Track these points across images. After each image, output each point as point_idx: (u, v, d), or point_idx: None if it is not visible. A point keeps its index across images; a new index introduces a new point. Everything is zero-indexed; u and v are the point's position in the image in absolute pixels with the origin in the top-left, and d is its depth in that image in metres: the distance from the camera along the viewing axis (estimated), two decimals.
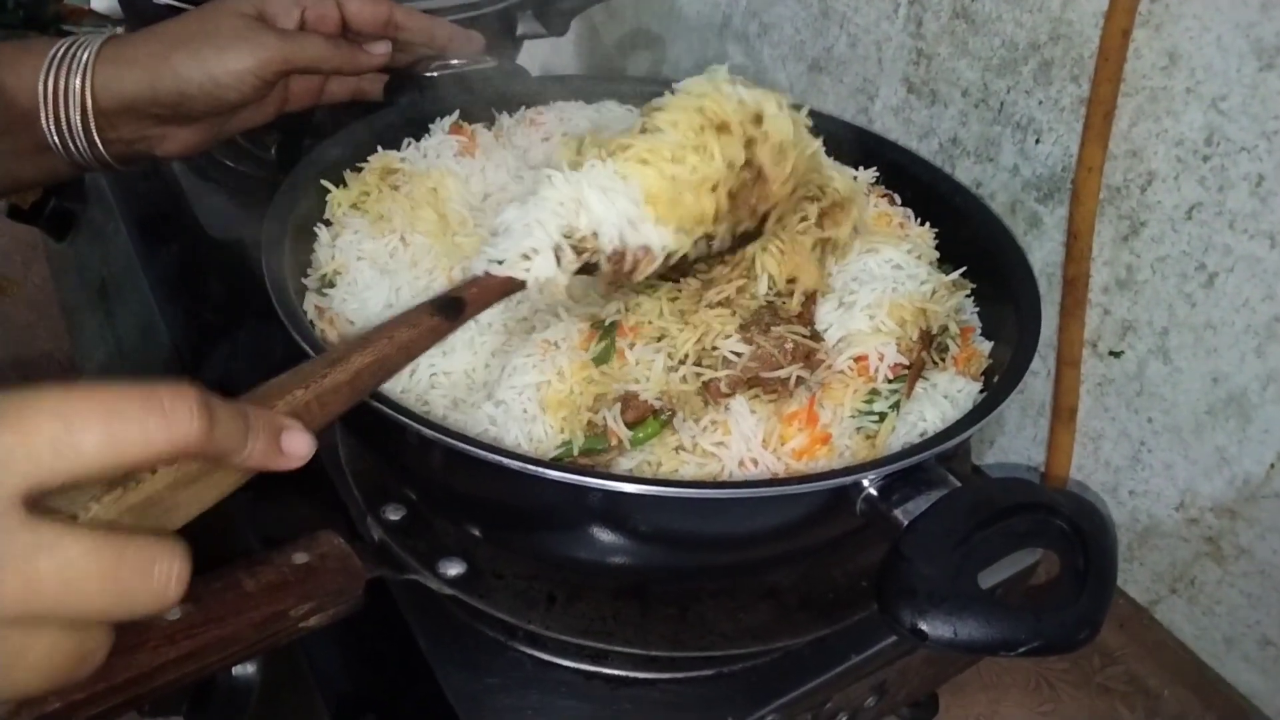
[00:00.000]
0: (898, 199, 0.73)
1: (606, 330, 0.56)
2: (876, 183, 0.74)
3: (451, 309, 0.48)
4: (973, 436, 0.88)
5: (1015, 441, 0.86)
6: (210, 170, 1.01)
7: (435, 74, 0.78)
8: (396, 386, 0.56)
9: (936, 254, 0.68)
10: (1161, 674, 0.77)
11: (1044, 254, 0.79)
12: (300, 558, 0.51)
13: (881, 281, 0.60)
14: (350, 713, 0.57)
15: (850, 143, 0.76)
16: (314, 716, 0.57)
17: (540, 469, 0.47)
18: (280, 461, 0.38)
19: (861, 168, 0.74)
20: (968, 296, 0.66)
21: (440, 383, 0.56)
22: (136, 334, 0.84)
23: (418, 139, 0.71)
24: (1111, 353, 0.75)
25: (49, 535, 0.31)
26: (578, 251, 0.49)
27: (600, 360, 0.55)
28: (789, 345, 0.54)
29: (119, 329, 0.88)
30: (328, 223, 0.66)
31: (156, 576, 0.32)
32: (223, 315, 0.83)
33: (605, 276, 0.55)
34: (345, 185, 0.67)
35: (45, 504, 0.31)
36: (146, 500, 0.34)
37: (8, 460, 0.30)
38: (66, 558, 0.31)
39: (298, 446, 0.38)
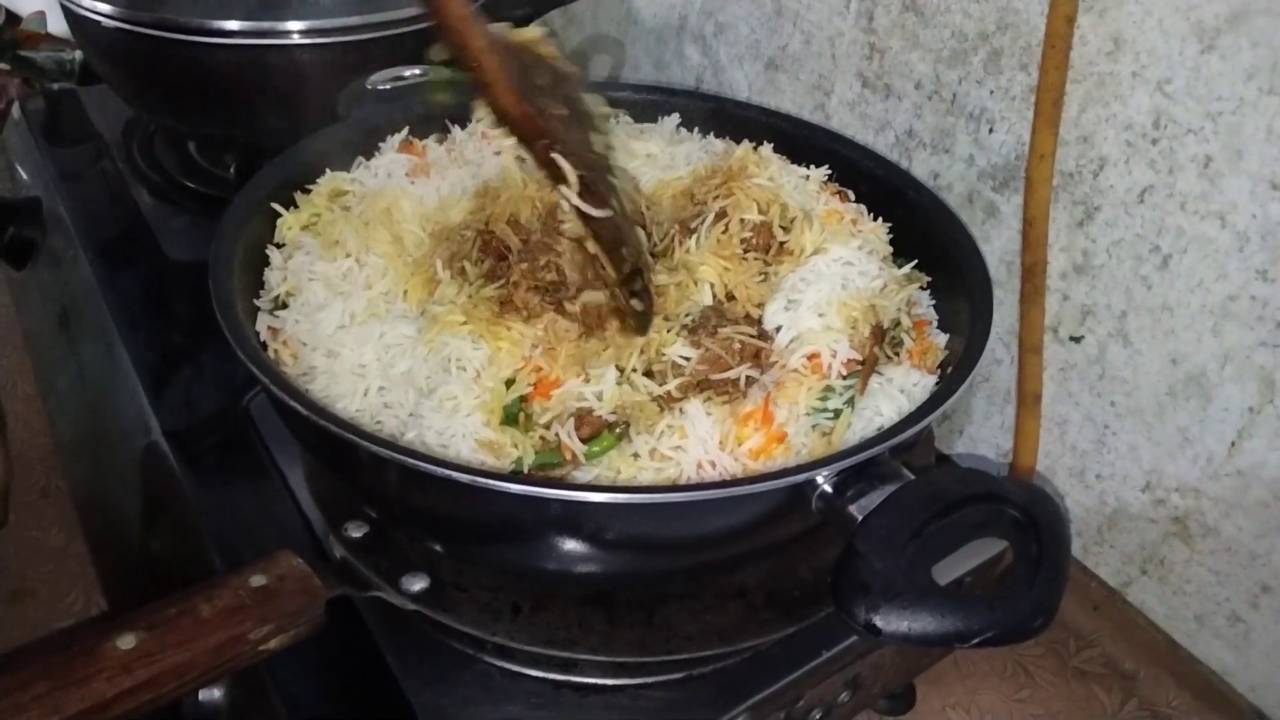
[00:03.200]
0: (851, 195, 0.73)
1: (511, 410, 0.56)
2: (830, 180, 0.74)
3: None
4: (942, 426, 0.89)
5: (983, 430, 0.86)
6: (170, 192, 1.00)
7: (388, 86, 0.78)
8: (351, 406, 0.55)
9: (890, 248, 0.68)
10: (1135, 655, 0.77)
11: (1002, 242, 0.79)
12: (258, 580, 0.50)
13: (829, 280, 0.60)
14: None
15: (802, 140, 0.76)
16: None
17: (498, 483, 0.47)
18: None
19: (813, 166, 0.74)
20: (923, 289, 0.66)
21: (392, 401, 0.56)
22: (99, 361, 0.84)
23: (369, 155, 0.71)
24: (1072, 338, 0.76)
25: None
26: None
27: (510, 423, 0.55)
28: (737, 346, 0.54)
29: (81, 356, 0.87)
30: (280, 245, 0.66)
31: None
32: (188, 338, 0.82)
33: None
34: (296, 207, 0.67)
35: None
36: None
37: None
38: None
39: None
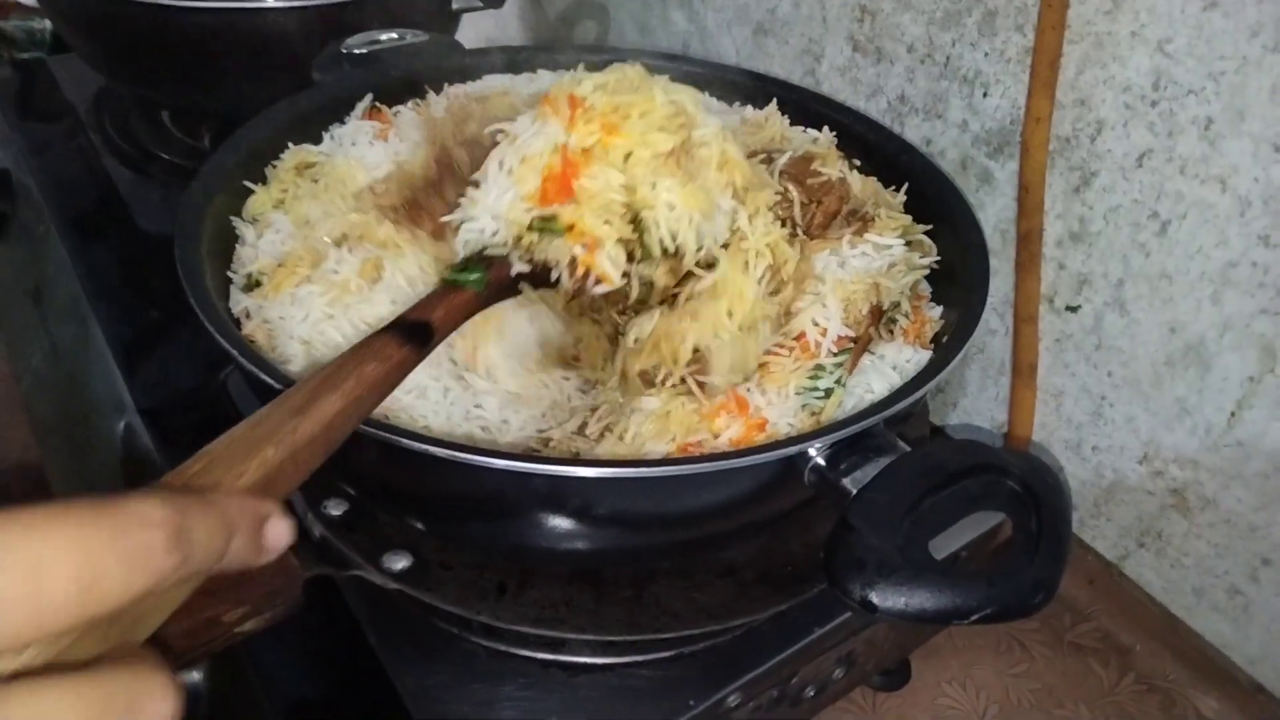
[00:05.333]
0: (858, 163, 0.71)
1: None
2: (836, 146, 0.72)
3: (420, 335, 0.43)
4: (935, 399, 0.88)
5: (977, 403, 0.85)
6: (143, 163, 0.98)
7: (364, 50, 0.76)
8: None
9: (908, 218, 0.66)
10: (1133, 629, 0.76)
11: (997, 210, 0.78)
12: None
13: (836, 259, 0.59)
14: (300, 715, 0.55)
15: (793, 105, 0.74)
16: None
17: (480, 458, 0.45)
18: (259, 559, 0.32)
19: (825, 128, 0.72)
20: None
21: None
22: (71, 335, 0.82)
23: (343, 119, 0.69)
24: (1068, 307, 0.74)
25: (10, 711, 0.24)
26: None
27: None
28: None
29: (53, 331, 0.85)
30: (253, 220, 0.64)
31: None
32: (163, 313, 0.80)
33: (564, 292, 0.54)
34: (265, 182, 0.65)
35: None
36: (112, 616, 0.27)
37: None
38: None
39: (278, 537, 0.32)
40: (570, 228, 0.51)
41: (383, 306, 0.56)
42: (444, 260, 0.58)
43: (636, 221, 0.53)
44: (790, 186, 0.63)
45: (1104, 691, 0.74)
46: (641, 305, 0.56)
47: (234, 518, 0.30)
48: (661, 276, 0.54)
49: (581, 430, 0.52)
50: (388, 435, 0.45)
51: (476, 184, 0.53)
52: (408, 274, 0.57)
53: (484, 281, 0.50)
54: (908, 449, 0.46)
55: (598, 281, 0.52)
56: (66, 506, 0.25)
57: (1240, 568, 0.69)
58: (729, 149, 0.56)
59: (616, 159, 0.52)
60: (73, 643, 0.26)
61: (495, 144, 0.54)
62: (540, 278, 0.52)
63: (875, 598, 0.40)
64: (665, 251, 0.53)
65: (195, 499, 0.28)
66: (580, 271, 0.51)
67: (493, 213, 0.52)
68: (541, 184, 0.51)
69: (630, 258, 0.53)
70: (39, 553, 0.24)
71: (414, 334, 0.43)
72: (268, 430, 0.35)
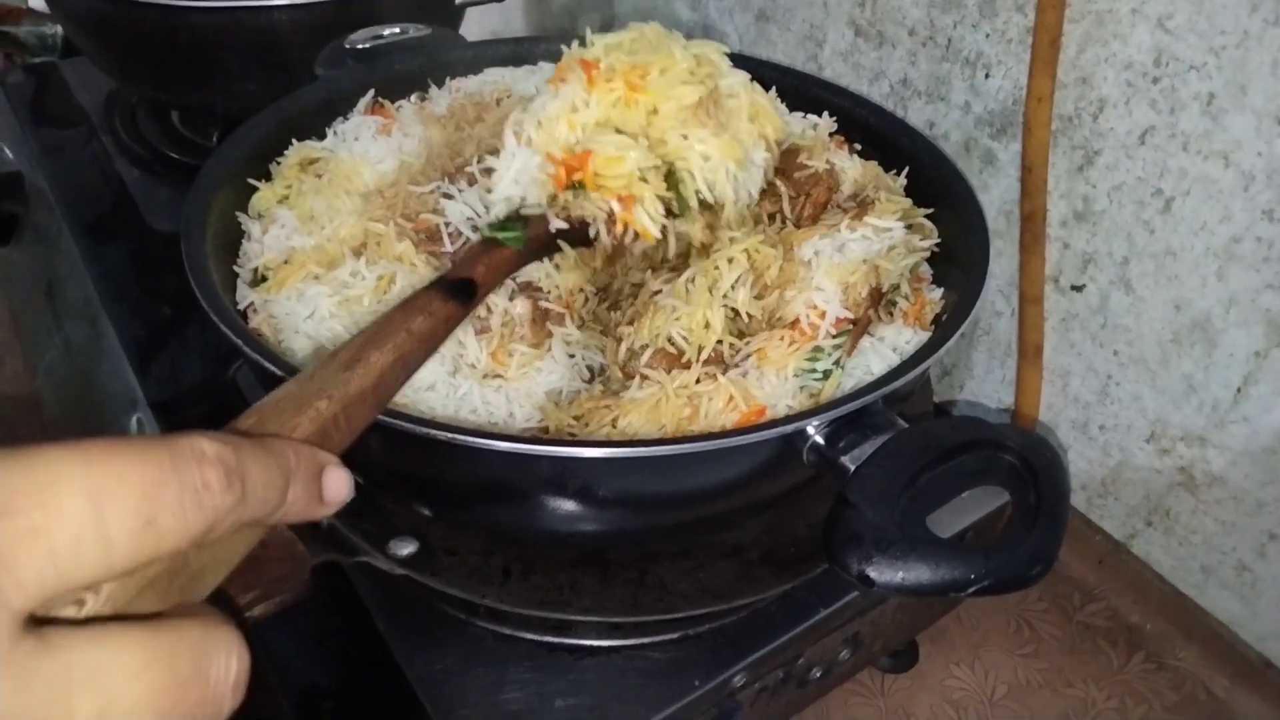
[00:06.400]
0: (858, 147, 0.71)
1: None
2: (836, 133, 0.72)
3: (463, 292, 0.43)
4: (943, 382, 0.88)
5: (984, 385, 0.85)
6: (153, 163, 0.99)
7: (366, 45, 0.76)
8: None
9: (909, 201, 0.66)
10: (1142, 607, 0.76)
11: (1001, 191, 0.77)
12: None
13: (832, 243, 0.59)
14: (310, 700, 0.56)
15: (794, 91, 0.74)
16: (274, 705, 0.56)
17: (484, 441, 0.46)
18: (319, 511, 0.31)
19: (825, 114, 0.72)
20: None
21: None
22: (84, 333, 0.83)
23: (346, 114, 0.70)
24: (1073, 287, 0.74)
25: (79, 655, 0.22)
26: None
27: None
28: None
29: (66, 329, 0.86)
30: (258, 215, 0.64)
31: (214, 682, 0.25)
32: (173, 309, 0.81)
33: (603, 249, 0.54)
34: (270, 179, 0.65)
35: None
36: (171, 569, 0.26)
37: (15, 557, 0.21)
38: (110, 689, 0.23)
39: (339, 489, 0.31)
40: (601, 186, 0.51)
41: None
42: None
43: (670, 175, 0.53)
44: (777, 181, 0.63)
45: (1113, 671, 0.74)
46: (681, 262, 0.56)
47: (290, 463, 0.29)
48: (698, 233, 0.55)
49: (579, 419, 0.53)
50: (393, 421, 0.45)
51: (495, 152, 0.54)
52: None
53: (523, 239, 0.50)
54: (905, 425, 0.46)
55: (636, 237, 0.52)
56: (122, 441, 0.24)
57: (1248, 544, 0.69)
58: (759, 99, 0.56)
59: (639, 116, 0.51)
60: (136, 594, 0.25)
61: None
62: (579, 234, 0.53)
63: (872, 572, 0.41)
64: (703, 204, 0.54)
65: (251, 441, 0.27)
66: (619, 228, 0.52)
67: (516, 178, 0.53)
68: (556, 170, 0.52)
69: (668, 212, 0.53)
70: (99, 483, 0.23)
71: (458, 290, 0.43)
72: (319, 385, 0.35)
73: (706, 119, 0.53)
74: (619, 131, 0.52)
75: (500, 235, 0.50)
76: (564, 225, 0.52)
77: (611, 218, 0.52)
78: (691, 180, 0.53)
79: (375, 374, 0.36)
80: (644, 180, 0.51)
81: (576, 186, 0.52)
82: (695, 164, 0.52)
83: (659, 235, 0.52)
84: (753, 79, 0.57)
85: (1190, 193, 0.65)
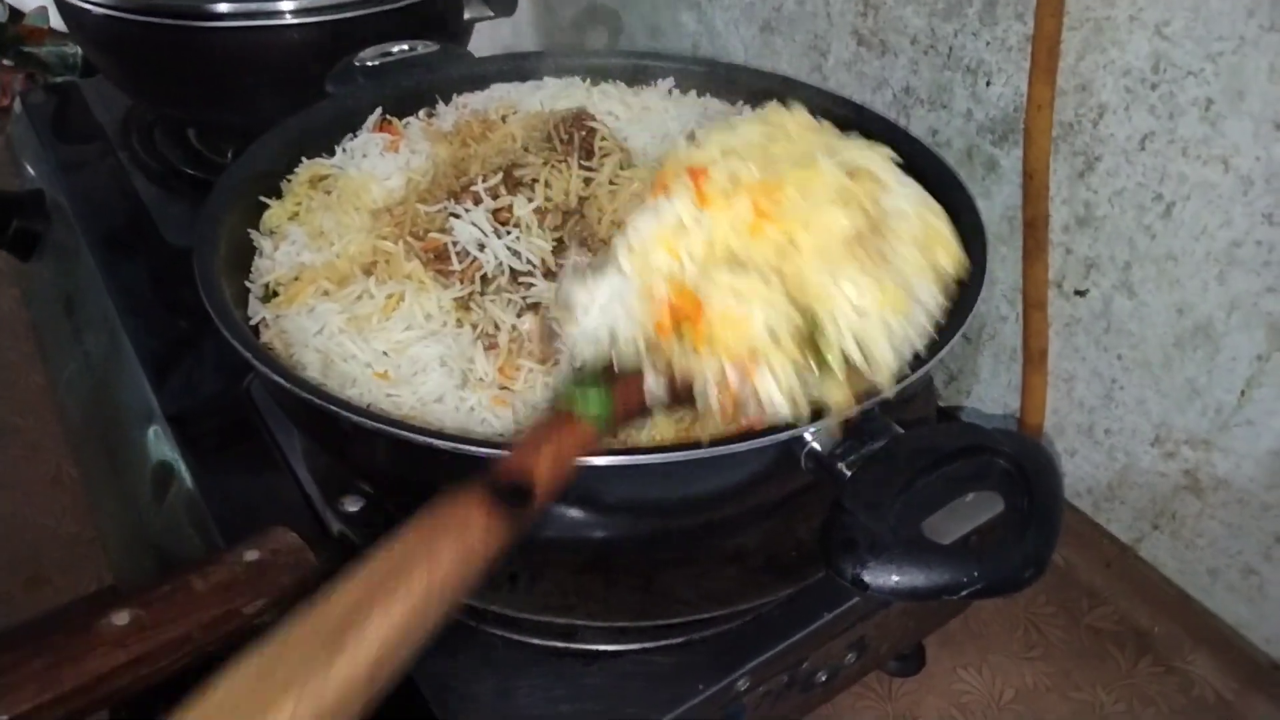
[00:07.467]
0: None
1: None
2: None
3: (516, 497, 0.32)
4: (949, 387, 0.88)
5: (990, 389, 0.85)
6: (170, 179, 1.01)
7: (376, 62, 0.78)
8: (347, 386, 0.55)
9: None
10: (1149, 611, 0.76)
11: (1003, 197, 0.78)
12: (251, 555, 0.51)
13: None
14: None
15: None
16: None
17: (484, 450, 0.46)
18: None
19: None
20: None
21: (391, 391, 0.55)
22: (103, 348, 0.84)
23: (356, 131, 0.71)
24: (1077, 292, 0.74)
25: None
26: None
27: None
28: None
29: (86, 344, 0.88)
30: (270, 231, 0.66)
31: None
32: (189, 323, 0.83)
33: (708, 414, 0.42)
34: (280, 196, 0.67)
35: None
36: None
37: None
38: None
39: None
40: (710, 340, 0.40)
41: (397, 333, 0.57)
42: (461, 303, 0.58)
43: (808, 321, 0.41)
44: None
45: (1121, 674, 0.74)
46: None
47: None
48: (840, 399, 0.42)
49: None
50: (397, 431, 0.46)
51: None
52: (426, 309, 0.57)
53: (607, 411, 0.39)
54: (900, 431, 0.47)
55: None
56: None
57: (1254, 547, 0.69)
58: (934, 222, 0.45)
59: (769, 249, 0.41)
60: None
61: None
62: (678, 395, 0.42)
63: (866, 575, 0.41)
64: (848, 364, 0.42)
65: None
66: (732, 393, 0.40)
67: (603, 308, 0.44)
68: (658, 312, 0.42)
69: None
70: None
71: (510, 496, 0.33)
72: (288, 672, 0.25)
73: (862, 254, 0.41)
74: (738, 262, 0.40)
75: (581, 398, 0.39)
76: (663, 393, 0.41)
77: (725, 380, 0.41)
78: (837, 334, 0.41)
79: (370, 654, 0.27)
80: (774, 339, 0.40)
81: (680, 335, 0.41)
82: (844, 317, 0.41)
83: (787, 413, 0.41)
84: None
85: (1190, 197, 0.65)
